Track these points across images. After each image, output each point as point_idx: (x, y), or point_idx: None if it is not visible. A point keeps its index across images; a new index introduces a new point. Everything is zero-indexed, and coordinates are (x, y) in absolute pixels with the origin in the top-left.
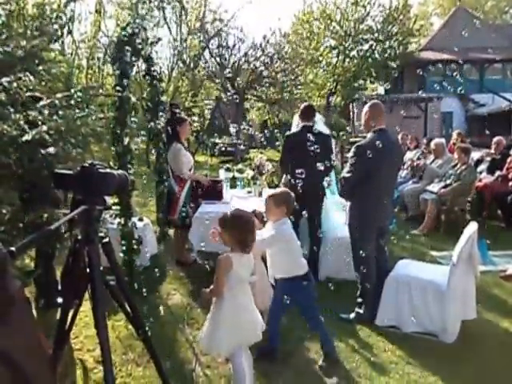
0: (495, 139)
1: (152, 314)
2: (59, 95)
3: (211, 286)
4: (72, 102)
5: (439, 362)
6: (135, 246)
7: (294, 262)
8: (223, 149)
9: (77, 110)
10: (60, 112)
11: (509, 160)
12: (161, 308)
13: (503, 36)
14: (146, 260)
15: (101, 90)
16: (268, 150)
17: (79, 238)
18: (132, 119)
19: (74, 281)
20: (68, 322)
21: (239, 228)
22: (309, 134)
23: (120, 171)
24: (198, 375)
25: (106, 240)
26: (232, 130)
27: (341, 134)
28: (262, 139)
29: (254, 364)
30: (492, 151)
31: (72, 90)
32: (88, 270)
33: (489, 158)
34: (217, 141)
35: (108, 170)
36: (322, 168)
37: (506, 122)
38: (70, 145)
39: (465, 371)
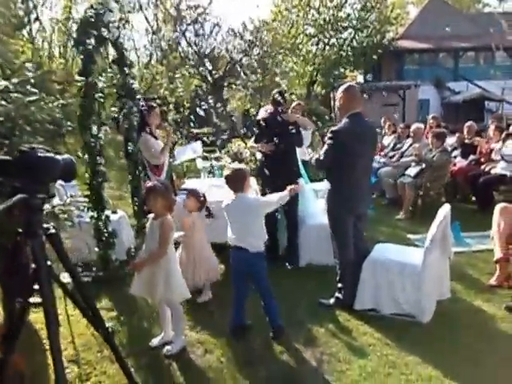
0: (467, 124)
1: (129, 310)
2: (15, 80)
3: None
4: (28, 87)
5: (415, 341)
6: (110, 240)
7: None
8: (204, 139)
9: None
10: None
11: (480, 145)
12: (137, 303)
13: (476, 25)
14: (122, 254)
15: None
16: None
17: (20, 230)
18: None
19: (16, 278)
20: (16, 324)
21: (167, 194)
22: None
23: (65, 156)
24: (178, 371)
25: (52, 231)
26: (214, 119)
27: (319, 123)
28: (244, 129)
29: (236, 352)
30: (465, 135)
31: (30, 74)
32: (34, 265)
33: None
34: (196, 131)
35: (50, 155)
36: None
37: (478, 109)
38: (26, 133)
39: (439, 349)
